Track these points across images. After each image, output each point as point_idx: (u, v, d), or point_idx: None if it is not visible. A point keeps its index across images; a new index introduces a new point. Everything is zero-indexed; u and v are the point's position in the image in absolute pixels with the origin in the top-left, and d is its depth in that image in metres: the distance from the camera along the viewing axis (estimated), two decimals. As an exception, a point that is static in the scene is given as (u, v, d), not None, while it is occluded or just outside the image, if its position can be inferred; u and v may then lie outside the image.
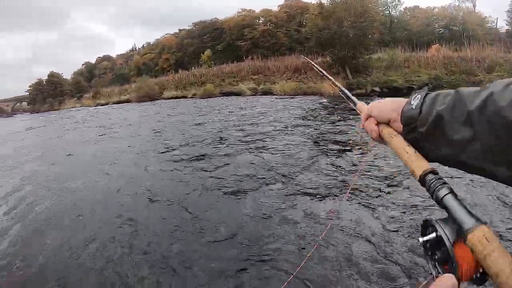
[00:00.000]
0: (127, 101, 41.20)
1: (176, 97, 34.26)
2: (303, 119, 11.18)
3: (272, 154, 6.81)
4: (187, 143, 8.79)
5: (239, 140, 8.50)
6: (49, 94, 67.91)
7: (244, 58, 37.32)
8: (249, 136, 8.88)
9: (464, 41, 25.69)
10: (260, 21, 48.37)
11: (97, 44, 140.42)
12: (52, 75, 71.72)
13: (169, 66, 53.76)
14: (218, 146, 8.04)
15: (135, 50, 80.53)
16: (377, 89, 18.70)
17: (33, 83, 72.91)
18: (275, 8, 49.24)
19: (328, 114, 12.08)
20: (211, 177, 5.71)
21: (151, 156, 7.83)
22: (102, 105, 45.16)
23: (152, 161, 7.34)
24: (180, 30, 60.49)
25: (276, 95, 22.90)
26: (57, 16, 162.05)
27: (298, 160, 6.19)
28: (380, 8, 32.58)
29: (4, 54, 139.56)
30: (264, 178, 5.36)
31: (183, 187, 5.38)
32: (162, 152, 8.08)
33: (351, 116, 10.47)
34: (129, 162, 7.53)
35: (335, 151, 6.67)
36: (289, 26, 45.42)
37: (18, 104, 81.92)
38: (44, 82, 71.12)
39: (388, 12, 38.57)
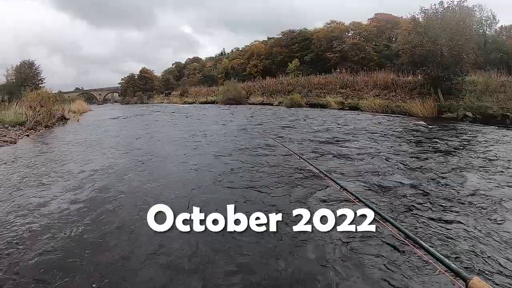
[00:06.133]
0: (214, 102, 44.09)
1: (262, 103, 36.11)
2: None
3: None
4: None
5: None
6: (139, 88, 74.47)
7: (333, 70, 38.17)
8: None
9: None
10: (349, 34, 48.59)
11: (186, 45, 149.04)
12: (144, 71, 78.41)
13: (256, 72, 56.38)
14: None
15: (224, 54, 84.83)
16: (469, 114, 18.15)
17: (126, 76, 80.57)
18: (365, 21, 49.31)
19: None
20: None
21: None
22: (189, 103, 48.58)
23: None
24: (269, 38, 62.90)
25: (363, 111, 23.37)
26: (146, 16, 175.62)
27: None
28: (474, 27, 30.74)
29: (97, 48, 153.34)
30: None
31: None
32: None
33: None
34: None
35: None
36: (378, 41, 45.23)
37: (109, 94, 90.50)
38: (136, 77, 78.02)
39: (482, 31, 35.60)
